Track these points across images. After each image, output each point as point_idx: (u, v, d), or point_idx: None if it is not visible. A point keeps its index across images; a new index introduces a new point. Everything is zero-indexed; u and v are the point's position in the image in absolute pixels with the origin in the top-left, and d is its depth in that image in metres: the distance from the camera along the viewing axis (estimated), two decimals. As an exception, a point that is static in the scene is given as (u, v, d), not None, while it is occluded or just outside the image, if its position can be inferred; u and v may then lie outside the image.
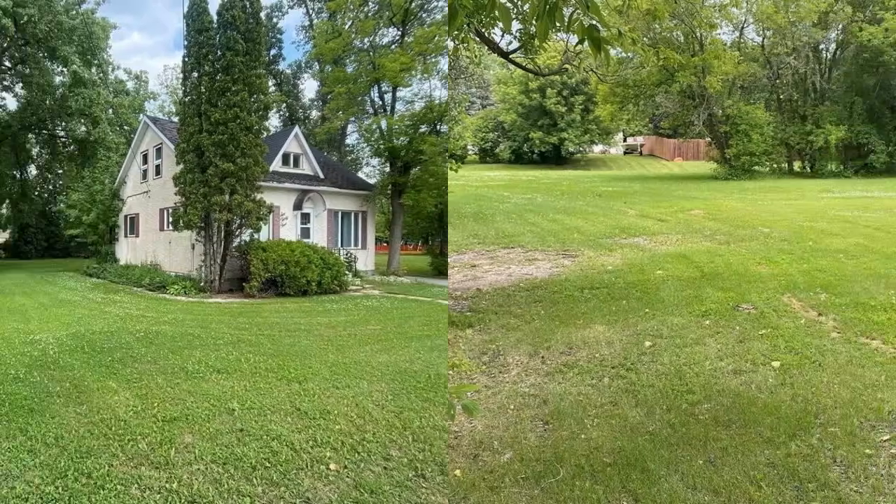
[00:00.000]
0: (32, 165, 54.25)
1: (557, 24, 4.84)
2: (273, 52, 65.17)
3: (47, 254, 60.05)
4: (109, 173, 38.15)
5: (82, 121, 42.50)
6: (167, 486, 6.16)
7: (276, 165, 30.44)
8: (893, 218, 21.85)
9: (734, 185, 43.56)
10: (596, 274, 15.05)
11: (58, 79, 42.98)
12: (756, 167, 51.01)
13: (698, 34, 48.42)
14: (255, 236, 25.56)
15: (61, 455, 6.88)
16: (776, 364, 8.30)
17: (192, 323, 16.54)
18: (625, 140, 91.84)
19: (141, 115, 44.99)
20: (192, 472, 6.51)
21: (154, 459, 6.79)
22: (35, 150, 52.66)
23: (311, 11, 62.03)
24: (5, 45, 39.93)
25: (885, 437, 6.23)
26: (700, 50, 48.48)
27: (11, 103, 50.45)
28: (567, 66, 20.75)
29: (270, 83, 61.27)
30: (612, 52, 31.55)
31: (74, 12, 38.49)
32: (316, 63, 56.42)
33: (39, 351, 12.44)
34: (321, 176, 32.69)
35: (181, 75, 26.75)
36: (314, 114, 65.52)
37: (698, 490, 5.54)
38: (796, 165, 55.73)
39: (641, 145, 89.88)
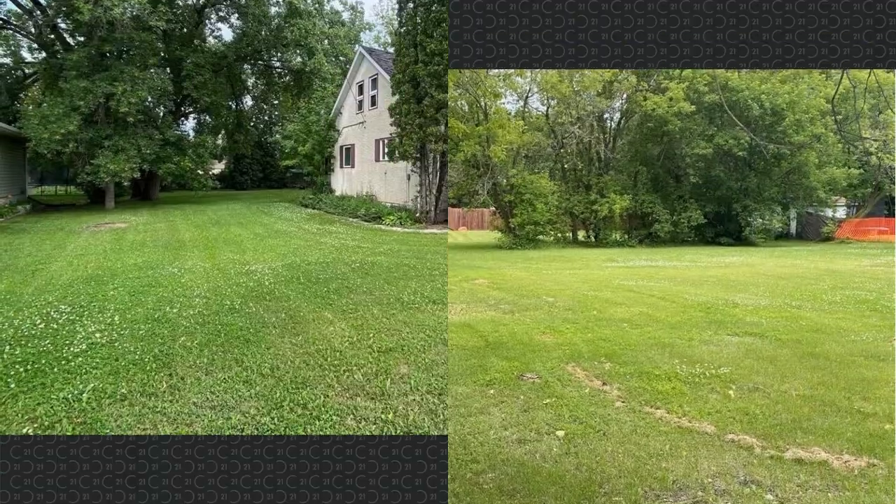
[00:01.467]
0: (248, 96, 55.31)
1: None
2: (490, -18, 66.10)
3: (262, 184, 60.90)
4: (325, 104, 39.14)
5: (298, 51, 43.56)
6: (383, 416, 6.57)
7: (493, 95, 30.82)
8: (677, 287, 22.63)
9: (519, 254, 44.41)
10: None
11: (273, 9, 43.89)
12: (540, 236, 52.65)
13: (483, 103, 49.24)
14: (471, 167, 25.83)
15: (277, 386, 7.14)
16: (560, 433, 8.48)
17: (407, 254, 16.81)
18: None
19: (356, 45, 46.91)
20: (407, 402, 6.67)
21: (370, 390, 6.95)
22: (250, 81, 53.83)
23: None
24: (221, -25, 41.43)
25: (668, 506, 6.58)
26: (484, 119, 49.38)
27: (227, 34, 52.62)
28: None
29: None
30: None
31: (290, -58, 39.42)
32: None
33: (255, 282, 12.53)
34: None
35: (397, 6, 27.21)
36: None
37: (483, 561, 5.52)
38: (581, 234, 57.76)
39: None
